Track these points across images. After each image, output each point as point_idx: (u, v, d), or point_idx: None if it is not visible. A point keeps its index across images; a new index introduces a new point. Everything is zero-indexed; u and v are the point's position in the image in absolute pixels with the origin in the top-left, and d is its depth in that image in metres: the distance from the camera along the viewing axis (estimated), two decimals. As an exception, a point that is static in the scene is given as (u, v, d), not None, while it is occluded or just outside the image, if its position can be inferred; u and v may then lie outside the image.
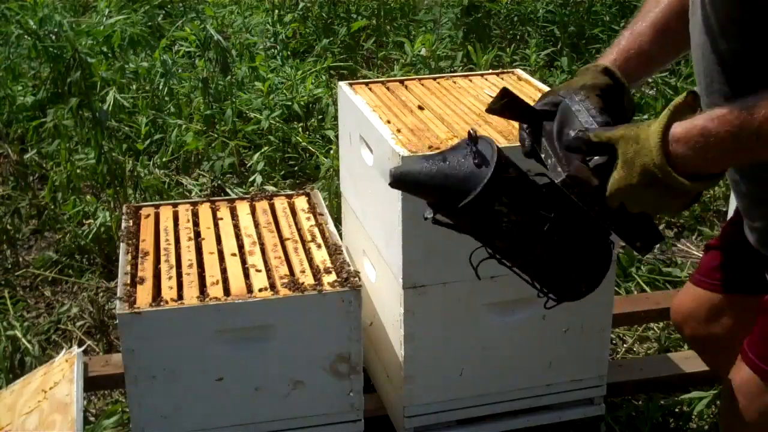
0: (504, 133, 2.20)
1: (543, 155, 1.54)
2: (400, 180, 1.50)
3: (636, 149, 1.38)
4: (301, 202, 2.59)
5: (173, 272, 2.21)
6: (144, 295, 2.11)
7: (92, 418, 2.65)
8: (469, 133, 1.48)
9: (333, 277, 2.19)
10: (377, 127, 2.22)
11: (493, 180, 1.41)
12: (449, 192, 1.44)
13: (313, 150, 4.10)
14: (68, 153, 3.93)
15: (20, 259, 3.49)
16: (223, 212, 2.53)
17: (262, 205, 2.56)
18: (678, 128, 1.37)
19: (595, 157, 1.44)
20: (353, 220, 2.58)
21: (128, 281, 2.16)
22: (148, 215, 2.50)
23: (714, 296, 1.91)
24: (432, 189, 1.47)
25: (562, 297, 1.59)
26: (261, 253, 2.31)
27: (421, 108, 2.36)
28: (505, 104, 1.51)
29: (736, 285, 1.88)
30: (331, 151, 3.89)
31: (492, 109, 1.53)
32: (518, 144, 2.09)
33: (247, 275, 2.20)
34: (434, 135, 2.19)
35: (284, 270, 2.22)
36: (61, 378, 2.13)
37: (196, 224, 2.47)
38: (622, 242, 1.56)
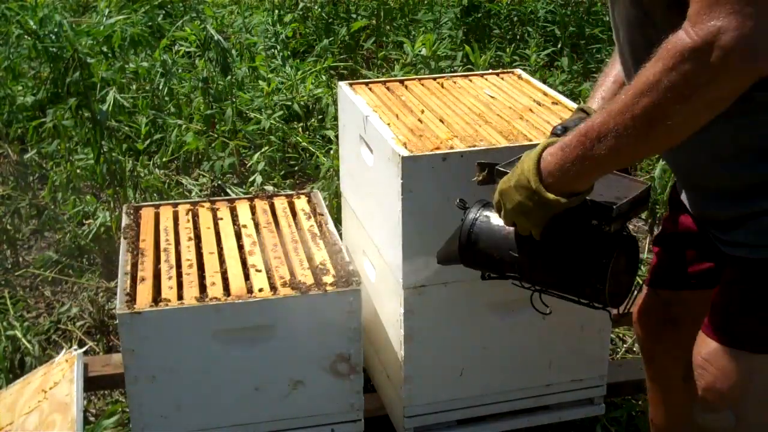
0: (504, 133, 2.20)
1: None
2: (441, 263, 1.96)
3: (516, 177, 1.61)
4: (301, 202, 2.59)
5: (173, 272, 2.21)
6: (144, 295, 2.10)
7: (92, 418, 2.65)
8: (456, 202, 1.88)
9: (333, 277, 2.19)
10: (377, 127, 2.22)
11: (465, 228, 1.81)
12: (453, 252, 1.86)
13: (313, 150, 4.10)
14: (68, 153, 3.93)
15: (20, 259, 3.49)
16: (223, 212, 2.53)
17: (262, 205, 2.56)
18: (549, 147, 1.56)
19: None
20: (353, 220, 2.58)
21: (128, 281, 2.17)
22: (148, 215, 2.50)
23: (651, 293, 1.97)
24: (451, 256, 1.88)
25: (596, 299, 1.71)
26: (261, 253, 2.31)
27: (421, 112, 2.35)
28: (489, 173, 1.79)
29: (663, 281, 1.94)
30: (331, 151, 3.89)
31: (482, 182, 1.81)
32: (518, 144, 2.13)
33: (247, 275, 2.20)
34: (434, 135, 2.19)
35: (284, 270, 2.22)
36: (61, 378, 2.13)
37: (196, 224, 2.47)
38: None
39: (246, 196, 2.79)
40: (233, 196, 3.37)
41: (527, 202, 1.59)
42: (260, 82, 4.54)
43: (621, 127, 1.41)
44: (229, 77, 4.35)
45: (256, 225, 2.46)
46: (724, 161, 1.55)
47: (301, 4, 5.48)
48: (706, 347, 1.63)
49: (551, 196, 1.55)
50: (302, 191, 2.67)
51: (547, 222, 1.61)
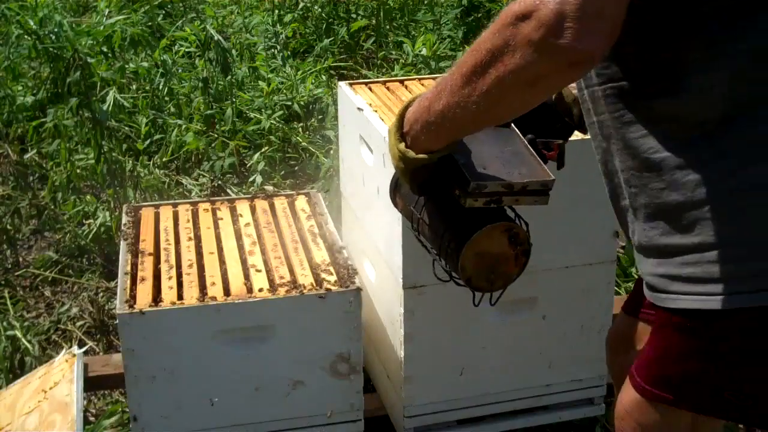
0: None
1: None
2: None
3: (394, 119, 1.48)
4: (301, 202, 2.59)
5: (173, 272, 2.21)
6: (144, 295, 2.11)
7: (92, 418, 2.65)
8: None
9: (333, 277, 2.19)
10: (377, 127, 2.22)
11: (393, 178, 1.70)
12: None
13: (313, 150, 4.10)
14: (68, 153, 3.93)
15: (20, 259, 3.49)
16: (223, 212, 2.53)
17: (262, 205, 2.56)
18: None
19: None
20: (353, 220, 2.58)
21: (128, 281, 2.17)
22: (148, 215, 2.50)
23: (627, 320, 1.82)
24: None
25: (455, 272, 1.61)
26: (261, 253, 2.31)
27: None
28: None
29: (627, 306, 1.81)
30: (331, 151, 3.89)
31: None
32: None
33: (247, 275, 2.20)
34: (434, 135, 2.18)
35: (284, 270, 2.22)
36: (61, 378, 2.14)
37: (196, 224, 2.47)
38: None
39: (246, 196, 2.79)
40: (233, 196, 3.37)
41: (394, 149, 1.48)
42: (260, 82, 4.54)
43: (451, 84, 1.30)
44: (229, 77, 4.35)
45: (256, 225, 2.46)
46: (629, 178, 1.39)
47: (301, 4, 5.48)
48: (628, 396, 1.46)
49: (402, 146, 1.44)
50: (302, 191, 2.66)
51: (418, 177, 1.49)
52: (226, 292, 2.13)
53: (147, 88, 4.54)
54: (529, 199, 1.53)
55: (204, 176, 4.01)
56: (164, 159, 4.08)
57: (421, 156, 1.43)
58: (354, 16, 5.42)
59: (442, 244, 1.59)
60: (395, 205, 1.76)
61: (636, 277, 3.30)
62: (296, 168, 4.13)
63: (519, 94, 1.26)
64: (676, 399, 1.35)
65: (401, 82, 2.60)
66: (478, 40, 1.25)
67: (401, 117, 1.45)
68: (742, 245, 1.24)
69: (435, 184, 1.53)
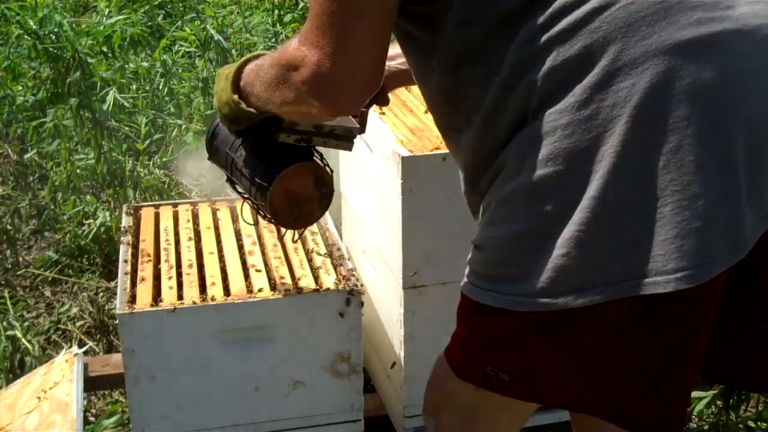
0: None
1: None
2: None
3: (226, 69, 1.62)
4: (301, 202, 2.58)
5: (173, 272, 2.21)
6: (144, 295, 2.11)
7: (92, 418, 2.65)
8: None
9: (333, 277, 2.19)
10: (376, 126, 2.22)
11: (215, 122, 1.83)
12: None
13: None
14: (68, 153, 3.93)
15: (20, 259, 3.49)
16: (223, 212, 2.53)
17: (262, 205, 2.56)
18: (261, 57, 1.56)
19: None
20: (353, 220, 2.58)
21: (128, 281, 2.17)
22: (148, 215, 2.50)
23: None
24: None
25: (263, 203, 1.74)
26: (261, 253, 2.31)
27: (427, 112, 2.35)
28: None
29: None
30: (331, 151, 3.89)
31: None
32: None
33: (247, 275, 2.20)
34: (434, 135, 2.18)
35: (284, 270, 2.22)
36: (61, 378, 2.14)
37: (196, 224, 2.47)
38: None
39: (246, 196, 2.78)
40: (233, 196, 3.36)
41: (225, 94, 1.59)
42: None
43: (261, 80, 1.47)
44: (229, 77, 4.34)
45: (256, 225, 2.46)
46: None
47: (301, 4, 5.48)
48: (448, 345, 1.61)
49: (236, 97, 1.56)
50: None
51: (241, 123, 1.62)
52: (226, 292, 2.13)
53: (147, 88, 4.53)
54: (334, 143, 1.75)
55: (204, 176, 4.01)
56: (164, 159, 4.08)
57: (251, 110, 1.56)
58: (354, 16, 5.41)
59: (255, 179, 1.72)
60: (210, 156, 1.86)
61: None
62: (296, 168, 4.13)
63: (298, 117, 1.52)
64: (460, 372, 1.51)
65: (401, 82, 2.59)
66: (275, 57, 1.42)
67: (239, 70, 1.57)
68: (491, 250, 1.37)
69: (254, 128, 1.65)
